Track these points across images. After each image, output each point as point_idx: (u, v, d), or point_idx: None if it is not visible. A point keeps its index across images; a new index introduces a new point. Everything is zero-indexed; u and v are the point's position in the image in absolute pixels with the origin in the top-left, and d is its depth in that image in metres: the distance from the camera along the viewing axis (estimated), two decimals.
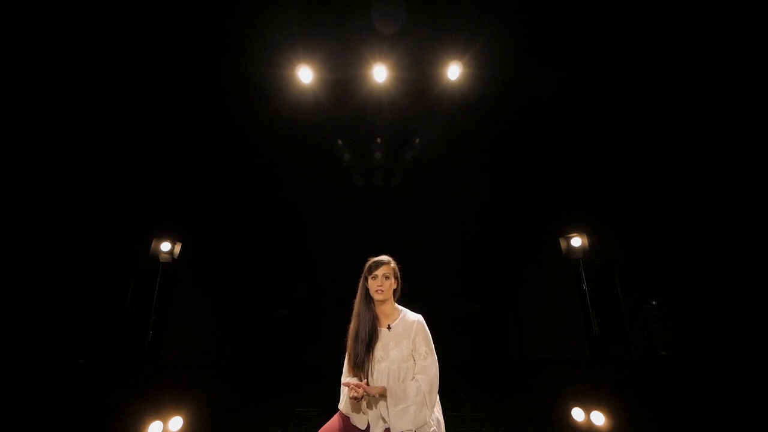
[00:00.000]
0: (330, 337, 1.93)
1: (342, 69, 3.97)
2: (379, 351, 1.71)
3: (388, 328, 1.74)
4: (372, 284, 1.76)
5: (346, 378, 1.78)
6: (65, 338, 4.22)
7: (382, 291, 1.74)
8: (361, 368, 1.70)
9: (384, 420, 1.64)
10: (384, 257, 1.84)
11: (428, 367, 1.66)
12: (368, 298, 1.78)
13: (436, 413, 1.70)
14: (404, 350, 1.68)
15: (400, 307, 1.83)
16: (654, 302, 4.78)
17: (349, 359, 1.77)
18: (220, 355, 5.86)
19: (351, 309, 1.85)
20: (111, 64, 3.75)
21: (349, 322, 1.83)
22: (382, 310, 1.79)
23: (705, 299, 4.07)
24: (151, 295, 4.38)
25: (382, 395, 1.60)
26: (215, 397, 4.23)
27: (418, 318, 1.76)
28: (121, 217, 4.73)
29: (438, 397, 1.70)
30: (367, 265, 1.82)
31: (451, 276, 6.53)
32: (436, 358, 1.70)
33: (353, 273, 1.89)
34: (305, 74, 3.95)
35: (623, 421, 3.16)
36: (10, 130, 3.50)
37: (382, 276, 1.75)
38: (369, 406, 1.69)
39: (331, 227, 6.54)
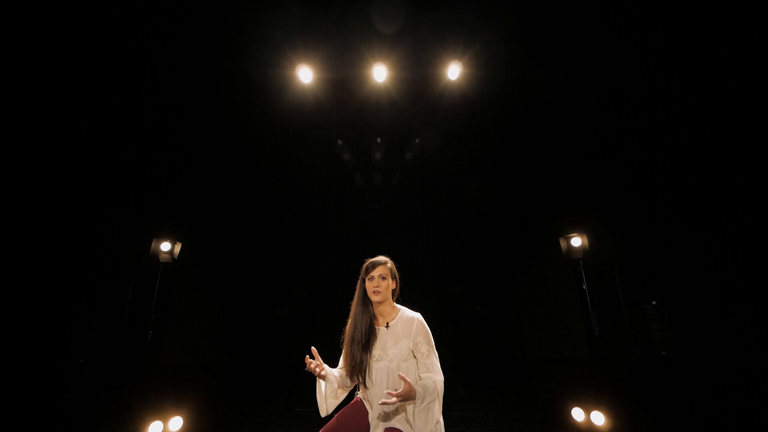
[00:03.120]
0: (330, 337, 1.93)
1: (342, 69, 3.97)
2: (377, 350, 1.69)
3: (387, 326, 1.73)
4: (369, 285, 1.75)
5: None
6: (65, 338, 4.22)
7: (379, 292, 1.72)
8: (359, 370, 1.68)
9: (383, 420, 1.64)
10: (380, 258, 1.83)
11: (432, 365, 1.64)
12: (365, 300, 1.77)
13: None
14: (404, 349, 1.66)
15: (399, 306, 1.81)
16: (654, 302, 4.78)
17: (345, 361, 1.75)
18: (220, 355, 5.86)
19: (349, 310, 1.83)
20: (111, 65, 3.75)
21: (346, 323, 1.82)
22: (380, 310, 1.77)
23: (705, 299, 4.07)
24: (151, 295, 4.37)
25: (410, 396, 1.47)
26: (215, 397, 4.23)
27: (417, 316, 1.74)
28: (121, 217, 4.73)
29: None
30: (364, 266, 1.81)
31: (451, 276, 6.53)
32: (437, 355, 1.69)
33: (353, 273, 1.88)
34: (305, 74, 3.95)
35: (623, 421, 3.16)
36: (11, 131, 3.50)
37: (379, 277, 1.75)
38: (371, 406, 1.69)
39: (331, 227, 6.54)
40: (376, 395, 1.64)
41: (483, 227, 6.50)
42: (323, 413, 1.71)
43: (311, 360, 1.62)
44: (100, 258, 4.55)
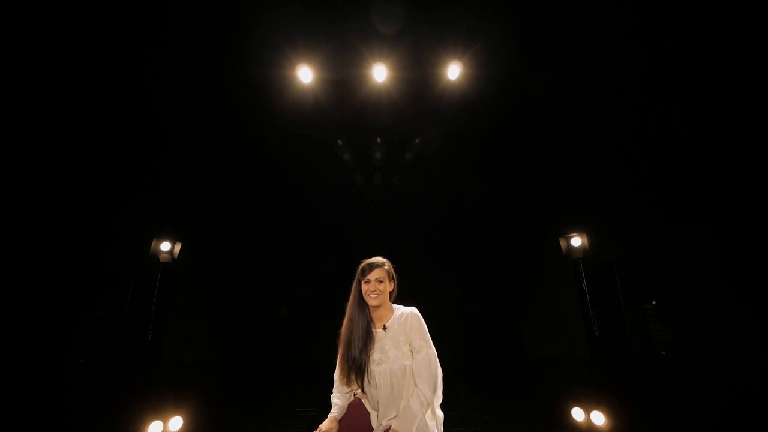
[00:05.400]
0: (330, 338, 1.93)
1: (342, 69, 3.97)
2: (377, 353, 1.65)
3: (384, 328, 1.69)
4: (365, 288, 1.70)
5: (336, 390, 1.72)
6: (65, 338, 4.22)
7: (377, 296, 1.68)
8: (357, 373, 1.64)
9: (382, 424, 1.64)
10: (377, 259, 1.77)
11: (422, 360, 1.60)
12: (362, 302, 1.72)
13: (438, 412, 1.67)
14: (403, 347, 1.64)
15: (395, 305, 1.76)
16: (654, 302, 4.78)
17: (341, 365, 1.70)
18: (220, 355, 5.85)
19: (345, 311, 1.79)
20: (111, 65, 3.75)
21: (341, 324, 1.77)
22: (377, 313, 1.73)
23: (705, 299, 4.07)
24: (151, 295, 4.37)
25: None
26: (215, 397, 4.23)
27: (411, 311, 1.70)
28: (121, 217, 4.73)
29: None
30: (360, 267, 1.75)
31: (451, 276, 6.52)
32: (433, 348, 1.66)
33: (353, 273, 1.87)
34: (305, 74, 3.95)
35: (623, 421, 3.16)
36: (12, 132, 3.50)
37: (375, 281, 1.69)
38: (373, 407, 1.68)
39: (331, 227, 6.53)
40: (381, 398, 1.62)
41: (483, 227, 6.49)
42: None
43: None
44: (100, 258, 4.55)
